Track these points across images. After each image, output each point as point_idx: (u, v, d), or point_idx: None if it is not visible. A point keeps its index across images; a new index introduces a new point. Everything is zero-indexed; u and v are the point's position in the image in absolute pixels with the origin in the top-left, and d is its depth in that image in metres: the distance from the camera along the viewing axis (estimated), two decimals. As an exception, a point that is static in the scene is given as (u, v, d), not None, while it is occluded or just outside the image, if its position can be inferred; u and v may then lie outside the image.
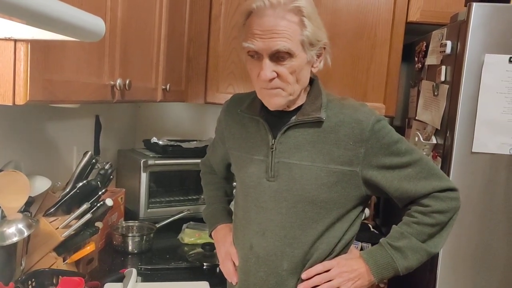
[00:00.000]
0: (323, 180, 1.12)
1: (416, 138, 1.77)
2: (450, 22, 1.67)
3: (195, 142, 2.21)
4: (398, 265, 1.13)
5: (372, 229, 2.13)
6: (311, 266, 1.16)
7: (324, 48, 1.14)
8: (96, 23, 0.71)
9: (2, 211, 1.16)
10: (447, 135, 1.57)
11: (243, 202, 1.24)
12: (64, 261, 1.34)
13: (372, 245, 1.86)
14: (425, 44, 1.84)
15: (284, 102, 1.11)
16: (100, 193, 1.41)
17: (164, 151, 2.05)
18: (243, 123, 1.25)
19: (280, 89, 1.09)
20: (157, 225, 1.87)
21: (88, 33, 0.70)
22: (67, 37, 0.70)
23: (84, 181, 1.39)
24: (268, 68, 1.06)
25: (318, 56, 1.13)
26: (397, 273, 1.14)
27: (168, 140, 2.20)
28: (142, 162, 1.94)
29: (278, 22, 1.03)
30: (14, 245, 1.18)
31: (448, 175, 1.53)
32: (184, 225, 1.97)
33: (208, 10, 2.03)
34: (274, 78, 1.07)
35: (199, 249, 1.74)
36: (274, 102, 1.11)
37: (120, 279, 1.39)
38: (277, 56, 1.05)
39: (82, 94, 1.00)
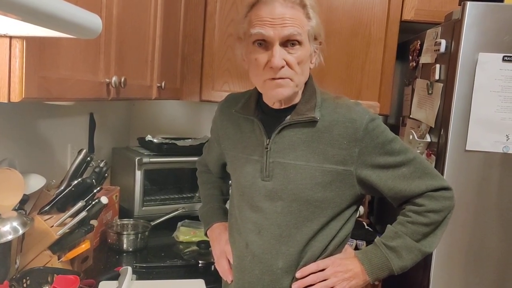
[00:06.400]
0: (317, 179, 1.12)
1: (411, 136, 1.78)
2: (445, 21, 1.68)
3: (190, 140, 2.21)
4: (393, 265, 1.14)
5: (366, 227, 2.14)
6: (305, 265, 1.16)
7: (320, 43, 1.15)
8: (92, 20, 0.70)
9: (-4, 209, 1.16)
10: (441, 133, 1.58)
11: (238, 201, 1.24)
12: (59, 259, 1.33)
13: (367, 242, 1.88)
14: (419, 43, 1.85)
15: (290, 93, 1.11)
16: (95, 191, 1.40)
17: (159, 149, 2.04)
18: (238, 123, 1.25)
19: (288, 79, 1.08)
20: (152, 223, 1.87)
21: (84, 30, 0.69)
22: (64, 34, 0.70)
23: (79, 179, 1.39)
24: (280, 54, 1.05)
25: (315, 52, 1.15)
26: (392, 272, 1.15)
27: (163, 138, 2.20)
28: (136, 160, 1.93)
29: (288, 10, 1.05)
30: (9, 243, 1.17)
31: (442, 173, 1.54)
32: (179, 223, 1.96)
33: (203, 8, 2.03)
34: (283, 67, 1.07)
35: (194, 247, 1.74)
36: (282, 92, 1.10)
37: (115, 277, 1.39)
38: (287, 44, 1.06)
39: (77, 91, 1.00)
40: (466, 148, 1.53)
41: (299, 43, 1.07)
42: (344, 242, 1.21)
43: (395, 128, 2.04)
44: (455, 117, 1.52)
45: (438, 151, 1.60)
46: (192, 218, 2.01)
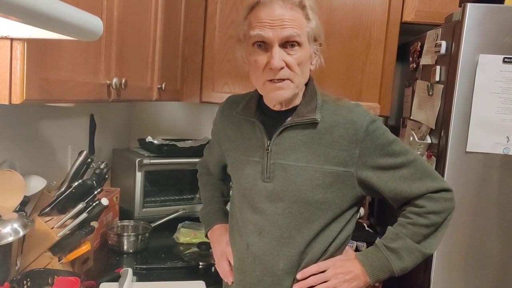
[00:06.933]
0: (318, 181, 1.12)
1: (411, 138, 1.78)
2: (445, 22, 1.68)
3: (190, 141, 2.21)
4: (394, 267, 1.14)
5: (367, 228, 2.14)
6: (306, 266, 1.16)
7: (320, 45, 1.15)
8: (94, 22, 0.70)
9: (-3, 210, 1.16)
10: (442, 134, 1.58)
11: (239, 203, 1.24)
12: (59, 260, 1.33)
13: (367, 244, 1.88)
14: (419, 44, 1.85)
15: (291, 95, 1.11)
16: (95, 192, 1.40)
17: (159, 151, 2.04)
18: (238, 125, 1.25)
19: (288, 81, 1.09)
20: (153, 225, 1.87)
21: (85, 32, 0.70)
22: (64, 36, 0.70)
23: (80, 181, 1.39)
24: (279, 56, 1.06)
25: (315, 53, 1.15)
26: (393, 274, 1.15)
27: (163, 139, 2.20)
28: (137, 161, 1.93)
29: (287, 12, 1.06)
30: (9, 245, 1.17)
31: (443, 174, 1.54)
32: (180, 225, 1.96)
33: (203, 9, 2.03)
34: (283, 68, 1.07)
35: (195, 249, 1.74)
36: (282, 94, 1.10)
37: (116, 278, 1.39)
38: (286, 45, 1.06)
39: (78, 93, 1.00)
40: (467, 150, 1.53)
41: (299, 44, 1.07)
42: (345, 243, 1.21)
43: (396, 130, 2.04)
44: (455, 118, 1.52)
45: (438, 153, 1.59)
46: (192, 219, 2.01)
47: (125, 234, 1.78)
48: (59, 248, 1.33)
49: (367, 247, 1.82)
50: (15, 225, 1.13)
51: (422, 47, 1.82)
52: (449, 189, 1.17)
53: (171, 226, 1.95)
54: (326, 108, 1.15)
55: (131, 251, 1.73)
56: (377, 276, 1.15)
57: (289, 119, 1.16)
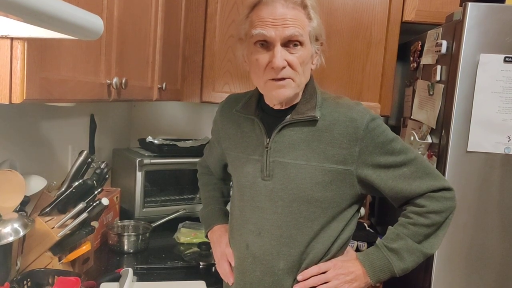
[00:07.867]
0: (318, 179, 1.12)
1: (412, 137, 1.78)
2: (445, 21, 1.68)
3: (190, 141, 2.21)
4: (395, 267, 1.13)
5: (367, 228, 2.14)
6: (307, 266, 1.16)
7: (321, 44, 1.15)
8: (94, 22, 0.70)
9: (-3, 210, 1.15)
10: (443, 134, 1.57)
11: (239, 202, 1.24)
12: (59, 260, 1.33)
13: (368, 244, 1.88)
14: (420, 44, 1.85)
15: (292, 94, 1.11)
16: (96, 192, 1.40)
17: (160, 150, 2.04)
18: (238, 123, 1.25)
19: (290, 80, 1.08)
20: (153, 225, 1.87)
21: (86, 32, 0.69)
22: (65, 35, 0.70)
23: (80, 181, 1.39)
24: (281, 55, 1.05)
25: (316, 53, 1.15)
26: (394, 274, 1.15)
27: (164, 139, 2.19)
28: (137, 161, 1.93)
29: (289, 11, 1.06)
30: (10, 245, 1.17)
31: (444, 174, 1.53)
32: (180, 225, 1.96)
33: (203, 9, 2.03)
34: (284, 67, 1.07)
35: (195, 249, 1.74)
36: (283, 93, 1.09)
37: (116, 278, 1.39)
38: (288, 44, 1.06)
39: (78, 92, 1.00)
40: (468, 149, 1.53)
41: (301, 43, 1.07)
42: (346, 244, 1.21)
43: (396, 129, 2.04)
44: (456, 118, 1.52)
45: (439, 152, 1.59)
46: (193, 219, 2.01)
47: (125, 234, 1.78)
48: (60, 248, 1.33)
49: (367, 247, 1.82)
50: (16, 225, 1.13)
51: (422, 46, 1.82)
52: (450, 188, 1.17)
53: (172, 226, 1.95)
54: (326, 106, 1.15)
55: (131, 251, 1.73)
56: (378, 276, 1.14)
57: (288, 116, 1.15)
